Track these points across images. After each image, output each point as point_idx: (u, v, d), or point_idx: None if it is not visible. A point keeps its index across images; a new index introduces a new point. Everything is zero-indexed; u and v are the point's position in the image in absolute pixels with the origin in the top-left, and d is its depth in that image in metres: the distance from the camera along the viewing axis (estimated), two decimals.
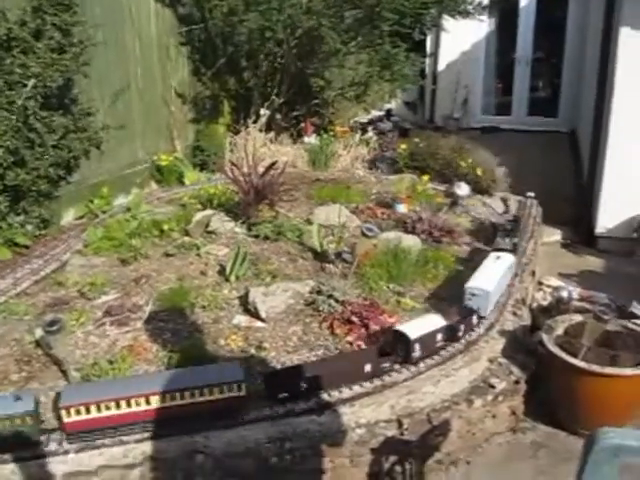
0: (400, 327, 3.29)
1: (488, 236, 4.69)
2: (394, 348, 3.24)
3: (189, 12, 6.92)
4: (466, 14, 7.22)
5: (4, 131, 4.49)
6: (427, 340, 3.30)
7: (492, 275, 3.82)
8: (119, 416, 2.69)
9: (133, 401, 2.69)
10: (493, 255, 4.08)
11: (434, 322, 3.39)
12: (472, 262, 4.30)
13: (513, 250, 4.39)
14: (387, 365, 3.17)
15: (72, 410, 2.63)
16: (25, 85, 4.69)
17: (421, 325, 3.33)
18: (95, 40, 5.32)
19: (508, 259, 4.07)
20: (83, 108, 5.42)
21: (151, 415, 2.72)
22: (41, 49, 4.81)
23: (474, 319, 3.57)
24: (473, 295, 3.64)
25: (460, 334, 3.46)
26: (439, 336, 3.38)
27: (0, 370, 3.19)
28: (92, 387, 2.95)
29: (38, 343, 3.36)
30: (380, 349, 3.22)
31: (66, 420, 2.65)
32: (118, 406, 2.68)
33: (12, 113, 4.57)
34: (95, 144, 5.60)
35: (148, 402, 2.70)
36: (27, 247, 4.79)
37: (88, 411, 2.65)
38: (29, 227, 4.92)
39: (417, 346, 3.24)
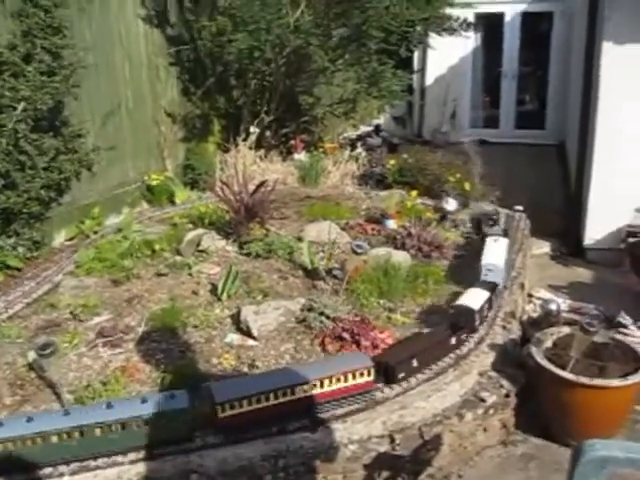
0: (461, 302, 3.68)
1: (477, 249, 4.73)
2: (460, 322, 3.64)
3: (178, 33, 7.00)
4: (452, 31, 7.34)
5: None
6: (482, 310, 3.75)
7: (498, 253, 4.32)
8: (266, 408, 2.89)
9: (280, 393, 2.90)
10: (490, 239, 4.54)
11: (481, 295, 3.81)
12: (461, 276, 4.35)
13: (505, 235, 4.80)
14: (464, 337, 3.63)
15: (226, 406, 2.81)
16: (15, 108, 4.73)
17: (475, 298, 3.76)
18: (85, 62, 5.37)
19: (503, 241, 4.55)
20: (74, 130, 5.46)
21: (297, 404, 2.94)
22: (31, 72, 4.85)
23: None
24: (489, 271, 4.12)
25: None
26: (486, 306, 3.82)
27: None
28: (236, 384, 3.09)
29: (31, 366, 3.38)
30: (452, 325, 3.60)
31: (222, 415, 2.81)
32: (267, 399, 2.88)
33: (2, 136, 4.61)
34: (86, 165, 5.63)
35: (293, 393, 2.91)
36: (19, 269, 4.80)
37: (241, 406, 2.84)
38: (20, 249, 4.92)
39: (477, 316, 3.67)
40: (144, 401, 2.77)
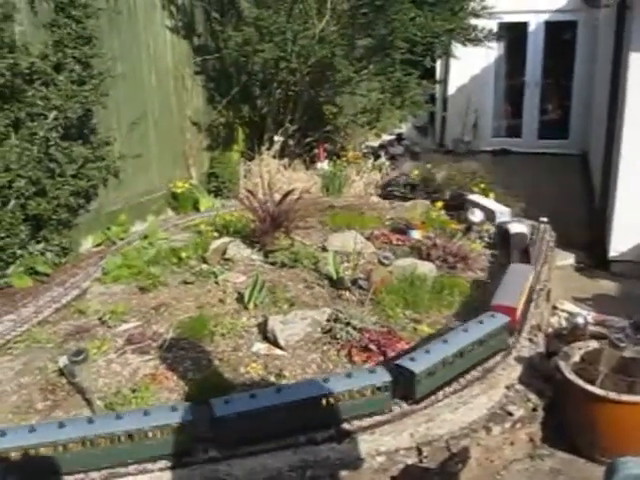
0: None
1: (503, 262, 4.73)
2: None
3: (204, 43, 7.08)
4: (477, 42, 7.34)
5: (26, 162, 4.61)
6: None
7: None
8: None
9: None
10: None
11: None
12: (487, 288, 4.34)
13: None
14: None
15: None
16: (46, 117, 4.82)
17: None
18: (113, 72, 5.46)
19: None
20: (101, 138, 5.55)
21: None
22: (62, 81, 4.95)
23: None
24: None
25: None
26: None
27: (25, 399, 3.25)
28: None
29: (61, 372, 3.43)
30: None
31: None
32: None
33: (33, 144, 4.70)
34: (113, 173, 5.72)
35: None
36: (47, 275, 4.88)
37: None
38: (49, 255, 5.01)
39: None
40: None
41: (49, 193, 4.87)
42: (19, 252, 4.76)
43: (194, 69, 7.03)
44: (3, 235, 4.52)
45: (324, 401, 2.91)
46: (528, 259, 4.84)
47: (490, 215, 5.56)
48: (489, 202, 5.83)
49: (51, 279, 4.87)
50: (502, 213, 5.60)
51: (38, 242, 4.97)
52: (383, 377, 3.02)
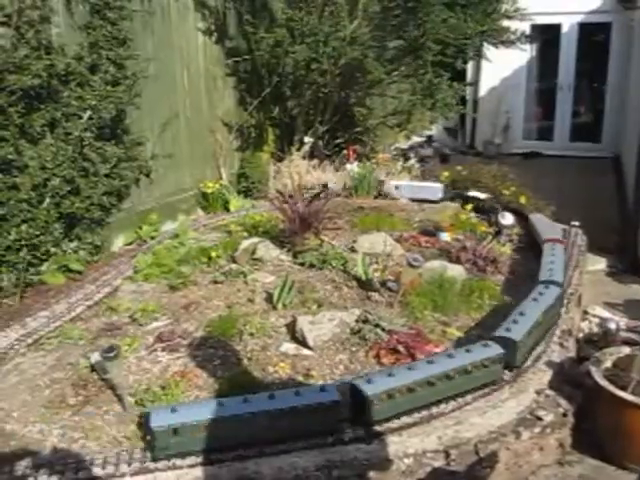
0: None
1: (533, 266, 4.67)
2: None
3: (236, 44, 7.14)
4: (510, 44, 7.28)
5: (61, 161, 4.70)
6: None
7: None
8: None
9: None
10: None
11: None
12: (517, 292, 4.30)
13: None
14: None
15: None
16: (81, 117, 4.91)
17: None
18: (147, 73, 5.54)
19: None
20: (134, 138, 5.63)
21: None
22: (96, 82, 5.05)
23: None
24: None
25: None
26: None
27: (58, 394, 3.30)
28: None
29: (93, 368, 3.48)
30: None
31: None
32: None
33: (68, 144, 4.79)
34: (145, 172, 5.80)
35: None
36: (80, 273, 4.96)
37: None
38: (82, 253, 5.10)
39: None
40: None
41: (83, 192, 4.96)
42: (53, 250, 4.85)
43: (225, 70, 7.10)
44: (38, 233, 4.60)
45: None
46: None
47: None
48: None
49: (83, 277, 4.95)
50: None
51: (71, 240, 5.05)
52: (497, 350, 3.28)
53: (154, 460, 2.78)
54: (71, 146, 4.80)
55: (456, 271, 4.46)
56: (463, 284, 4.29)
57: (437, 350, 3.53)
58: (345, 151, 7.83)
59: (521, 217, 5.75)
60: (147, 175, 5.87)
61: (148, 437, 2.85)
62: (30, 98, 4.54)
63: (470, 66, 10.87)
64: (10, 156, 4.32)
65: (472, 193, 6.28)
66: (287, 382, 3.33)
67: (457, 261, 4.71)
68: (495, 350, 3.28)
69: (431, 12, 6.26)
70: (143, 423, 2.96)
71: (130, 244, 5.73)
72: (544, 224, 5.48)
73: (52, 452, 2.90)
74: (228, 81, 7.19)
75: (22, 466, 2.76)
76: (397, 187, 6.68)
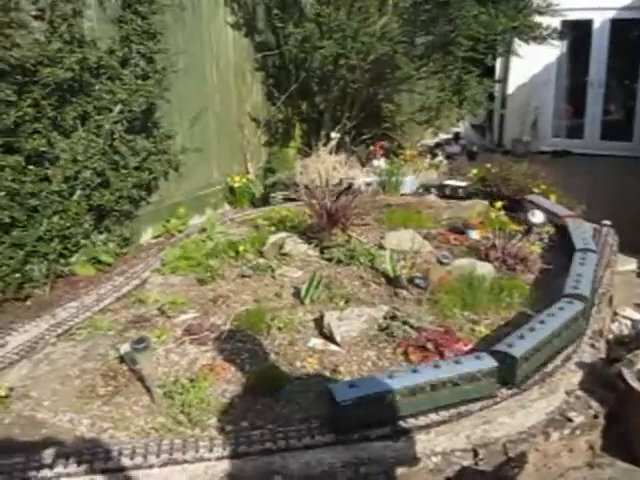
0: None
1: (564, 264, 4.61)
2: None
3: (265, 39, 7.15)
4: (541, 40, 7.19)
5: (92, 154, 4.74)
6: None
7: None
8: None
9: None
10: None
11: None
12: (547, 291, 4.24)
13: None
14: None
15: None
16: (112, 110, 4.94)
17: None
18: (176, 67, 5.56)
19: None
20: (164, 131, 5.66)
21: None
22: (127, 76, 5.08)
23: None
24: None
25: None
26: None
27: (88, 384, 3.33)
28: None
29: (122, 358, 3.51)
30: None
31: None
32: None
33: (99, 137, 4.83)
34: (174, 166, 5.83)
35: None
36: (109, 264, 5.01)
37: None
38: (111, 245, 5.16)
39: None
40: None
41: (113, 185, 5.01)
42: (83, 242, 4.91)
43: (254, 65, 7.11)
44: (68, 224, 4.67)
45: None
46: None
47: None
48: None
49: (112, 268, 5.00)
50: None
51: (101, 232, 5.11)
52: (490, 363, 3.16)
53: (340, 433, 2.87)
54: (102, 139, 4.84)
55: (485, 269, 4.41)
56: (492, 282, 4.24)
57: (466, 348, 3.50)
58: (372, 147, 7.80)
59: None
60: (176, 169, 5.90)
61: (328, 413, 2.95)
62: (62, 91, 4.59)
63: (499, 62, 10.75)
64: (42, 148, 4.38)
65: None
66: (315, 377, 3.33)
67: (486, 259, 4.66)
68: (487, 363, 3.13)
69: (462, 7, 6.19)
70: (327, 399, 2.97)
71: (158, 237, 5.78)
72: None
73: (81, 441, 2.93)
74: (257, 76, 7.21)
75: (52, 454, 2.79)
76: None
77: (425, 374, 3.01)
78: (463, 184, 6.52)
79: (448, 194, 6.77)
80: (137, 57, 5.18)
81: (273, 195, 6.52)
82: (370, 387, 2.91)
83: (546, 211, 5.54)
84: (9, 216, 4.15)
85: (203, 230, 5.55)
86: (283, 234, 5.13)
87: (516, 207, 5.88)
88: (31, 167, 4.35)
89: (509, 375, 3.21)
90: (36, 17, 4.38)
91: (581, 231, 5.08)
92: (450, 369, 3.06)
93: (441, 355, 3.41)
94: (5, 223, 4.16)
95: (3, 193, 4.10)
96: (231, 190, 6.70)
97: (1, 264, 4.15)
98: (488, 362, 3.13)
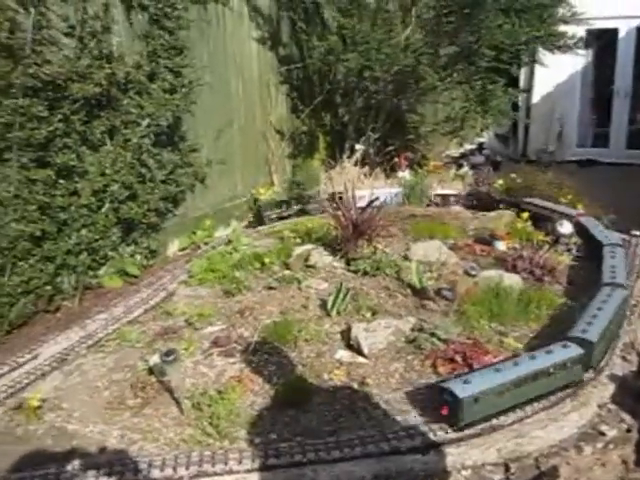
0: None
1: (593, 277, 4.55)
2: None
3: (289, 52, 7.20)
4: (566, 49, 7.14)
5: (120, 167, 4.80)
6: None
7: None
8: None
9: None
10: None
11: None
12: (576, 302, 4.19)
13: None
14: None
15: None
16: (139, 124, 5.01)
17: None
18: (202, 81, 5.62)
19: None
20: (190, 144, 5.72)
21: None
22: (155, 90, 5.14)
23: None
24: None
25: None
26: None
27: (117, 395, 3.37)
28: None
29: (151, 370, 3.53)
30: None
31: None
32: None
33: (127, 150, 4.89)
34: (200, 178, 5.89)
35: None
36: (136, 276, 5.07)
37: None
38: (138, 257, 5.22)
39: None
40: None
41: (140, 197, 5.06)
42: (110, 254, 4.98)
43: (279, 78, 7.16)
44: (97, 237, 4.73)
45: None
46: None
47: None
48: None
49: (139, 280, 5.05)
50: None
51: (128, 245, 5.17)
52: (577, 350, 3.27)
53: (460, 430, 2.96)
54: (130, 152, 4.90)
55: (513, 280, 4.37)
56: (520, 294, 4.20)
57: (494, 360, 3.47)
58: (396, 158, 7.79)
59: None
60: (202, 181, 5.96)
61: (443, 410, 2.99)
62: (91, 106, 4.67)
63: (523, 72, 10.69)
64: (72, 162, 4.44)
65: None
66: (343, 389, 3.32)
67: (513, 270, 4.63)
68: (575, 350, 3.26)
69: (486, 18, 6.18)
70: (440, 398, 3.04)
71: (184, 249, 5.83)
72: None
73: (112, 452, 2.95)
74: (281, 88, 7.26)
75: (83, 465, 2.82)
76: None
77: (525, 366, 3.12)
78: (454, 192, 6.55)
79: (439, 203, 6.84)
80: (164, 71, 5.24)
81: (268, 214, 6.48)
82: (483, 381, 3.00)
83: (550, 210, 5.74)
84: (40, 229, 4.22)
85: (229, 242, 5.58)
86: (308, 246, 5.15)
87: (543, 218, 5.83)
88: (61, 181, 4.42)
89: (588, 360, 3.35)
90: (66, 34, 4.46)
91: (600, 229, 5.29)
92: (545, 359, 3.17)
93: (470, 367, 3.39)
94: (36, 236, 4.22)
95: (35, 207, 4.17)
96: (256, 202, 6.74)
97: (32, 277, 4.21)
98: (575, 350, 3.26)
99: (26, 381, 3.55)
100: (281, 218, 6.43)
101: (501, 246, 5.17)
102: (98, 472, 2.77)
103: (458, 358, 3.44)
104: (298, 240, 5.45)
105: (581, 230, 5.39)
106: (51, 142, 4.28)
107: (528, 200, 6.05)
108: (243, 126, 6.66)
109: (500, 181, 6.73)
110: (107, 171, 4.74)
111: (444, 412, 2.99)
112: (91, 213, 4.68)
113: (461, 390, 2.92)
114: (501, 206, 6.37)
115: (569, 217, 5.48)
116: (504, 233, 5.32)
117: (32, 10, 4.10)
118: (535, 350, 3.36)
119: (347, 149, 7.46)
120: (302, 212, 6.57)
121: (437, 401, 3.06)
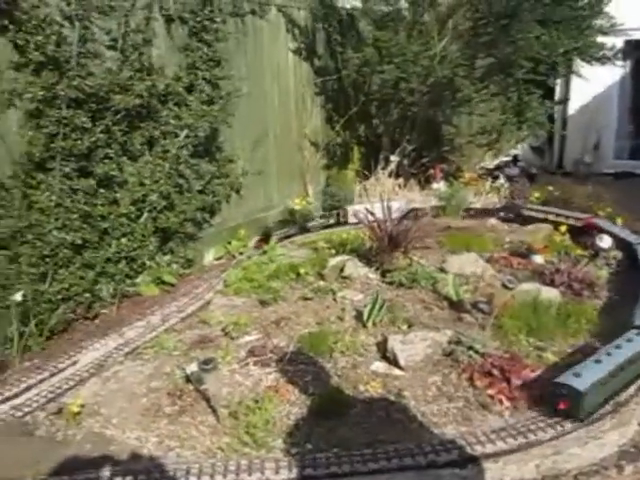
0: None
1: (634, 292, 4.47)
2: None
3: (324, 64, 7.24)
4: (605, 60, 7.06)
5: (159, 178, 4.87)
6: None
7: None
8: None
9: None
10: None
11: None
12: (616, 317, 4.12)
13: None
14: None
15: None
16: (178, 135, 5.08)
17: None
18: (240, 92, 5.68)
19: None
20: (226, 155, 5.78)
21: None
22: (193, 102, 5.21)
23: None
24: None
25: None
26: None
27: (154, 402, 3.41)
28: None
29: (188, 378, 3.57)
30: None
31: None
32: None
33: (166, 161, 4.96)
34: (236, 189, 5.94)
35: None
36: (173, 285, 5.12)
37: None
38: (175, 266, 5.27)
39: None
40: None
41: (177, 207, 5.13)
42: (148, 262, 5.04)
43: (314, 90, 7.20)
44: (135, 246, 4.80)
45: None
46: None
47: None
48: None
49: (176, 289, 5.11)
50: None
51: (165, 254, 5.23)
52: None
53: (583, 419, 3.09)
54: (168, 163, 4.97)
55: (551, 294, 4.32)
56: (558, 308, 4.15)
57: (533, 375, 3.43)
58: (431, 170, 7.77)
59: None
60: (237, 191, 6.01)
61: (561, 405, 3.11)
62: (131, 117, 4.75)
63: (559, 83, 10.58)
64: (112, 172, 4.52)
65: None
66: (379, 401, 3.31)
67: (551, 284, 4.57)
68: None
69: (524, 29, 6.15)
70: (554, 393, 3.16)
71: (220, 258, 5.88)
72: None
73: (149, 459, 2.99)
74: (316, 100, 7.30)
75: (120, 471, 2.86)
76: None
77: (617, 356, 3.28)
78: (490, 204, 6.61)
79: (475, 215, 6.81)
80: (202, 83, 5.32)
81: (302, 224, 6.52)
82: (593, 372, 3.14)
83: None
84: (81, 238, 4.30)
85: (264, 252, 5.61)
86: (343, 257, 5.16)
87: (581, 231, 5.75)
88: (102, 190, 4.51)
89: None
90: (109, 47, 4.56)
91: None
92: (630, 347, 3.35)
93: (508, 382, 3.35)
94: (77, 244, 4.31)
95: (76, 215, 4.25)
96: (291, 212, 6.77)
97: (73, 284, 4.29)
98: None
99: (66, 386, 3.62)
100: (317, 228, 6.45)
101: (538, 259, 5.12)
102: (135, 478, 2.81)
103: (496, 372, 3.41)
104: (332, 251, 5.47)
105: (621, 244, 5.31)
106: (93, 152, 4.36)
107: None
108: (279, 137, 6.71)
109: (537, 194, 6.66)
110: (146, 181, 4.82)
111: (562, 406, 3.10)
112: (130, 222, 4.75)
113: (579, 383, 3.06)
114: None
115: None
116: (541, 246, 5.26)
117: (77, 24, 4.20)
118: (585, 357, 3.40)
119: (381, 160, 7.47)
120: (336, 223, 6.59)
121: (551, 397, 3.17)
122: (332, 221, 6.58)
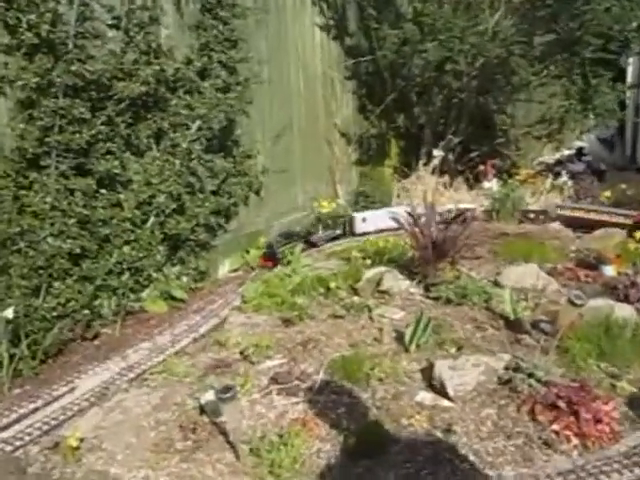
0: None
1: None
2: None
3: (356, 43, 7.26)
4: None
5: (167, 176, 4.91)
6: None
7: None
8: None
9: None
10: None
11: None
12: None
13: None
14: None
15: None
16: (189, 127, 5.12)
17: None
18: (260, 77, 5.72)
19: None
20: (244, 150, 5.81)
21: None
22: (206, 89, 5.25)
23: None
24: None
25: None
26: None
27: (164, 437, 3.42)
28: None
29: (202, 409, 3.59)
30: None
31: None
32: None
33: (175, 157, 5.00)
34: (255, 189, 5.96)
35: None
36: (183, 301, 5.16)
37: None
38: (185, 279, 5.31)
39: None
40: None
41: (188, 211, 5.16)
42: (155, 275, 5.07)
43: (344, 73, 7.22)
44: (140, 256, 4.83)
45: None
46: None
47: None
48: None
49: (187, 305, 5.15)
50: None
51: (174, 265, 5.27)
52: None
53: None
54: (178, 159, 5.01)
55: (625, 312, 4.28)
56: (635, 328, 4.11)
57: (607, 408, 3.39)
58: (481, 166, 7.74)
59: None
60: (257, 192, 6.04)
61: None
62: (137, 107, 4.82)
63: (633, 63, 10.48)
64: (115, 170, 4.57)
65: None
66: (425, 437, 3.30)
67: (626, 300, 4.53)
68: None
69: (591, 0, 6.11)
70: None
71: (236, 270, 5.91)
72: None
73: None
74: (347, 85, 7.32)
75: None
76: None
77: None
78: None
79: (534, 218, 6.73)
80: (217, 67, 5.35)
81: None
82: None
83: None
84: (79, 246, 4.35)
85: (287, 263, 5.63)
86: (381, 268, 5.17)
87: None
88: (103, 191, 4.56)
89: None
90: (111, 26, 4.62)
91: None
92: None
93: (576, 416, 3.32)
94: (75, 254, 4.36)
95: (74, 220, 4.30)
96: (319, 217, 6.78)
97: (70, 299, 4.34)
98: None
99: (62, 417, 3.65)
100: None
101: (610, 271, 5.08)
102: None
103: (562, 404, 3.37)
104: (367, 261, 5.48)
105: None
106: (93, 147, 4.43)
107: None
108: (304, 129, 6.73)
109: (607, 193, 6.60)
110: (153, 180, 4.86)
111: None
112: (135, 228, 4.80)
113: None
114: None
115: None
116: (613, 256, 5.22)
117: (75, 0, 4.26)
118: None
119: (423, 155, 7.46)
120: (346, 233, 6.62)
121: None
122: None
